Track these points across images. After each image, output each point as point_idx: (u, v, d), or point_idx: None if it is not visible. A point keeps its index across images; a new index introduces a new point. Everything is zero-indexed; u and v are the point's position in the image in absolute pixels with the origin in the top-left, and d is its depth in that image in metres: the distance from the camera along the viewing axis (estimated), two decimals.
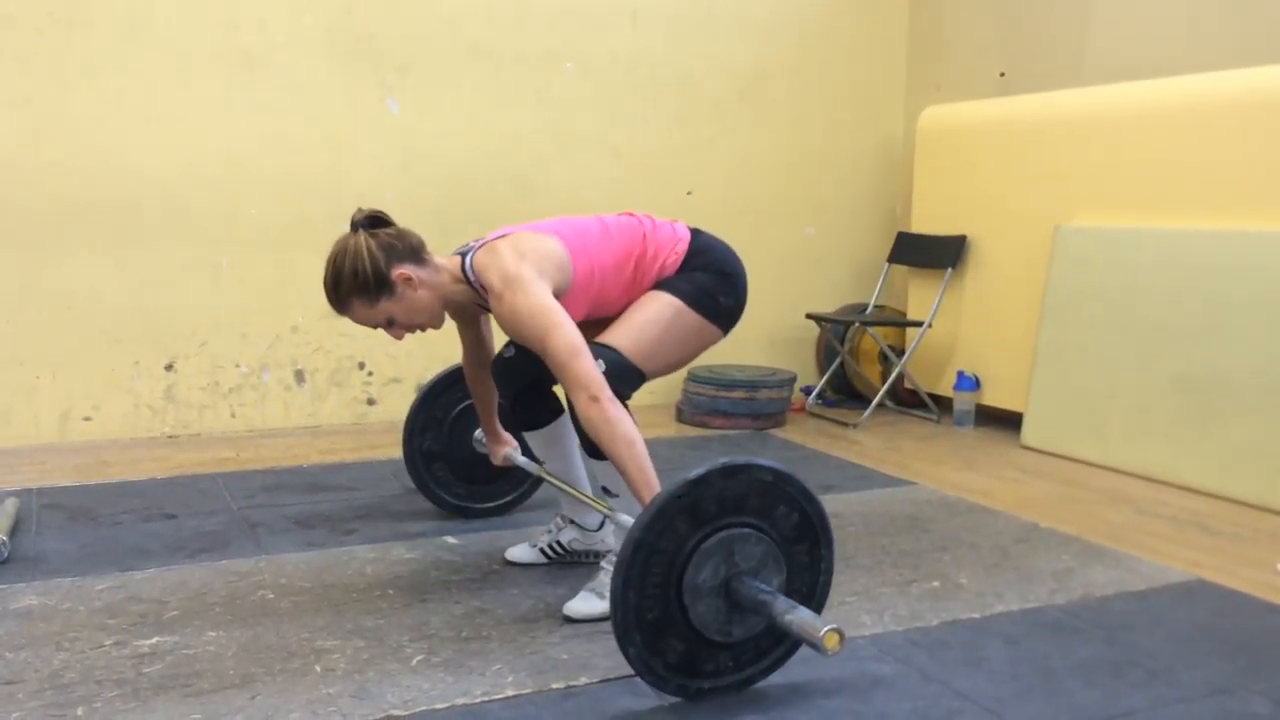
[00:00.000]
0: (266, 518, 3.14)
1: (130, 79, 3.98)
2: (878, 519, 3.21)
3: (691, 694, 2.00)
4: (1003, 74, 4.78)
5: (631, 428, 2.16)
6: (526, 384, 2.61)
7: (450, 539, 2.97)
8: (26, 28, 3.82)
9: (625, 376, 2.35)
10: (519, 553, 2.77)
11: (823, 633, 1.81)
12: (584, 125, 4.68)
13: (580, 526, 2.73)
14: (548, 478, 2.66)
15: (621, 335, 2.39)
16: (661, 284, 2.47)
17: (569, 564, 2.75)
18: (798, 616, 1.88)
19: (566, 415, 2.60)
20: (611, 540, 2.72)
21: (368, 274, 2.28)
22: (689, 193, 4.88)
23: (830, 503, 3.36)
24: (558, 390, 2.55)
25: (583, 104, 4.67)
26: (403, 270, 2.31)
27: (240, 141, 4.15)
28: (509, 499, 3.21)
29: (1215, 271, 3.60)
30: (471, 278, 2.37)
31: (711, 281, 2.48)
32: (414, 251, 2.36)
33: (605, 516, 2.42)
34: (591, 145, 4.70)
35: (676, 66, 4.83)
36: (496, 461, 2.84)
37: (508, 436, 2.88)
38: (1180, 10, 4.05)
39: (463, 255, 2.41)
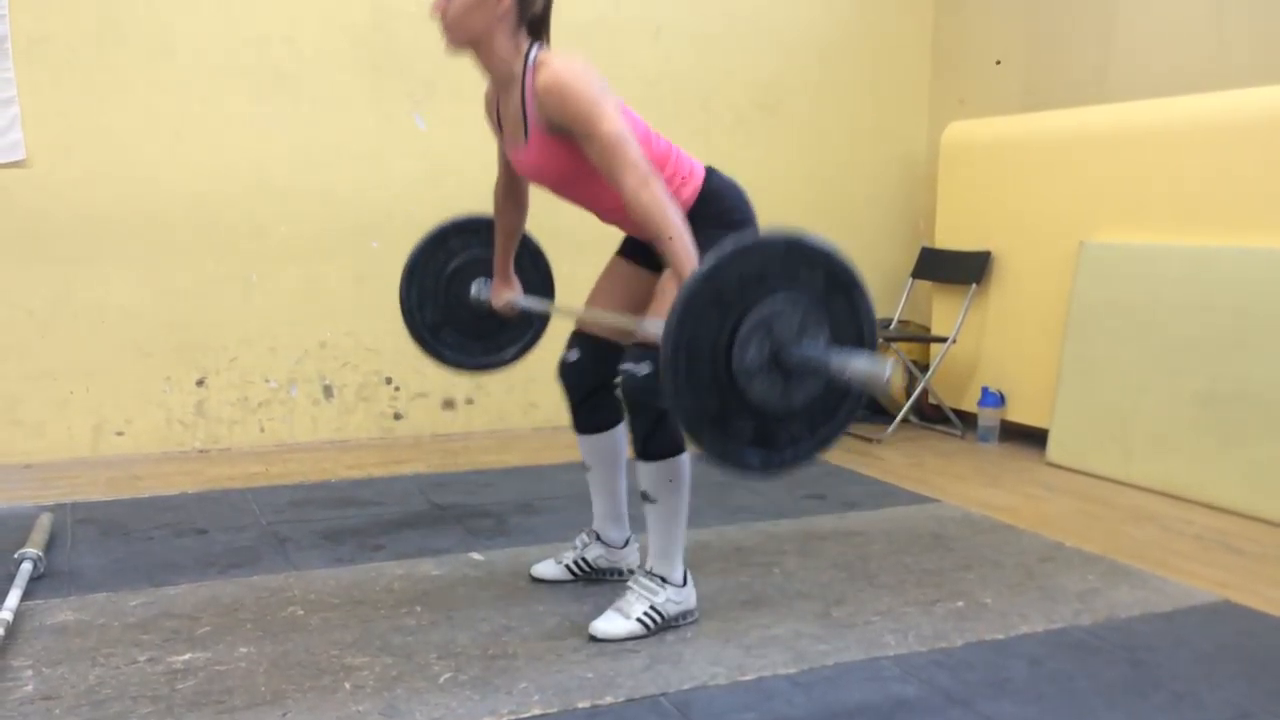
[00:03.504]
0: (295, 533, 3.18)
1: (162, 95, 4.04)
2: (902, 537, 3.21)
3: (776, 467, 2.03)
4: (999, 62, 4.78)
5: (680, 213, 2.17)
6: (593, 387, 2.59)
7: (476, 555, 3.00)
8: (60, 45, 3.89)
9: None
10: (545, 569, 2.79)
11: (887, 371, 1.85)
12: None
13: (606, 544, 2.75)
14: (554, 309, 2.61)
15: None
16: None
17: (595, 581, 2.77)
18: (852, 365, 1.90)
19: (624, 425, 2.60)
20: (635, 557, 2.75)
21: None
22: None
23: (854, 520, 3.38)
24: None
25: None
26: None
27: (269, 157, 4.20)
28: (524, 343, 3.10)
29: (1241, 288, 3.58)
30: (530, 61, 2.34)
31: (722, 238, 2.40)
32: (527, 10, 2.35)
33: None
34: None
35: (700, 80, 4.85)
36: (497, 305, 2.77)
37: (515, 281, 2.84)
38: (1206, 27, 4.04)
39: (532, 45, 2.38)
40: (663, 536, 2.43)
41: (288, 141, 4.22)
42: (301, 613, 2.55)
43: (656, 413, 2.32)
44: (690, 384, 1.92)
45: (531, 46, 2.37)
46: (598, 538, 2.76)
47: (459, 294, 2.99)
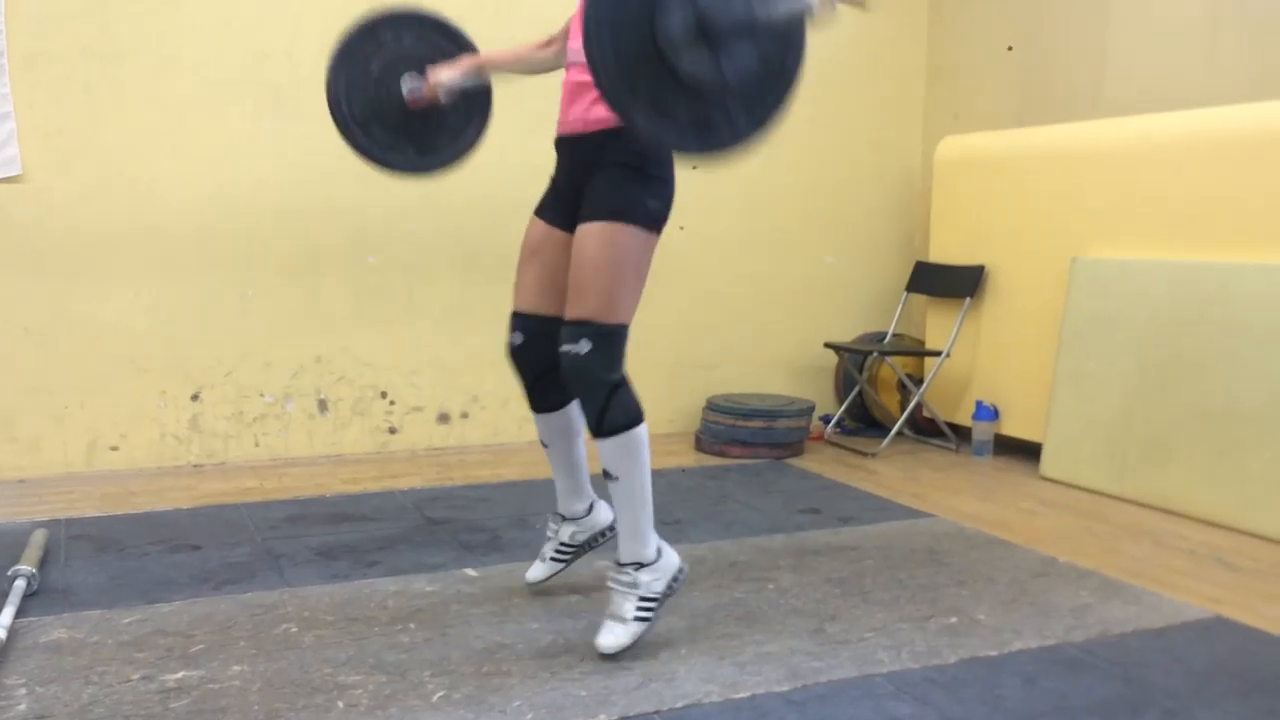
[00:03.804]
0: (290, 549, 3.18)
1: (160, 110, 4.05)
2: (896, 552, 3.22)
3: (715, 150, 1.99)
4: (1010, 48, 4.80)
5: None
6: (543, 368, 2.60)
7: (470, 571, 2.99)
8: (60, 60, 3.89)
9: (614, 340, 2.37)
10: (535, 572, 2.79)
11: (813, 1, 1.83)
12: None
13: (573, 519, 2.75)
14: (488, 75, 2.56)
15: (588, 305, 2.35)
16: (591, 205, 2.39)
17: (590, 593, 2.76)
18: (779, 6, 1.88)
19: (576, 403, 2.61)
20: (608, 514, 2.76)
21: None
22: (681, 227, 4.84)
23: (848, 535, 3.38)
24: None
25: None
26: None
27: (266, 172, 4.21)
28: (460, 142, 2.96)
29: (1233, 303, 3.60)
30: None
31: (641, 184, 2.38)
32: None
33: None
34: None
35: None
36: (431, 81, 2.72)
37: (460, 76, 2.76)
38: (1198, 44, 4.07)
39: None
40: (631, 513, 2.44)
41: (285, 157, 4.23)
42: (295, 630, 2.55)
43: (606, 387, 2.35)
44: (618, 63, 1.85)
45: None
46: (563, 517, 2.76)
47: (391, 89, 2.83)
